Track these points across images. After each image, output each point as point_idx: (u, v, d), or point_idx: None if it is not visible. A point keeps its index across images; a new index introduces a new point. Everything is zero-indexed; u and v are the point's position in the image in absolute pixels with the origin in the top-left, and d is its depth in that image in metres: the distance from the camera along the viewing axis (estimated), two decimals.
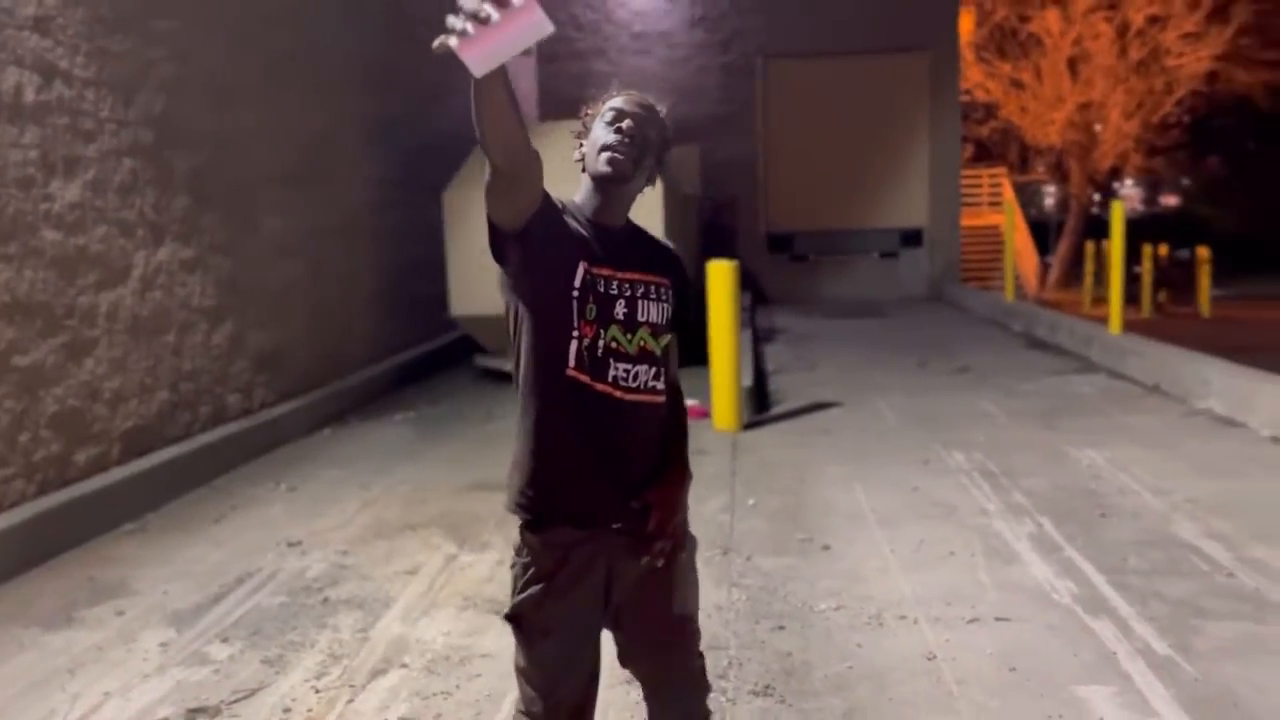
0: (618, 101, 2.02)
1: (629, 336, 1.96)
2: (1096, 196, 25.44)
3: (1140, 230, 21.78)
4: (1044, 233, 25.83)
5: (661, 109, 2.05)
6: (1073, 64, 20.97)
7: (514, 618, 2.02)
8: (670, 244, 2.17)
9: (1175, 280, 16.78)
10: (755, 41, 15.83)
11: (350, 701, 3.09)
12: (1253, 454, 5.58)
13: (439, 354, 10.03)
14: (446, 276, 8.96)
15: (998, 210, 21.53)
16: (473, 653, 3.40)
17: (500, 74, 1.66)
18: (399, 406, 8.06)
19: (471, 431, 7.07)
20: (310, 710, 3.04)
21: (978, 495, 4.98)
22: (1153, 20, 20.02)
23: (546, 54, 16.15)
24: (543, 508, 1.97)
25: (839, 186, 15.85)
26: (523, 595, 1.99)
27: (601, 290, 1.95)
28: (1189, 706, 2.86)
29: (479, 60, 1.61)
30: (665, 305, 2.04)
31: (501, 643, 3.43)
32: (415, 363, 9.49)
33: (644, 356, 1.98)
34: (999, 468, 5.46)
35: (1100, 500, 4.81)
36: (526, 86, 15.55)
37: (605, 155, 1.96)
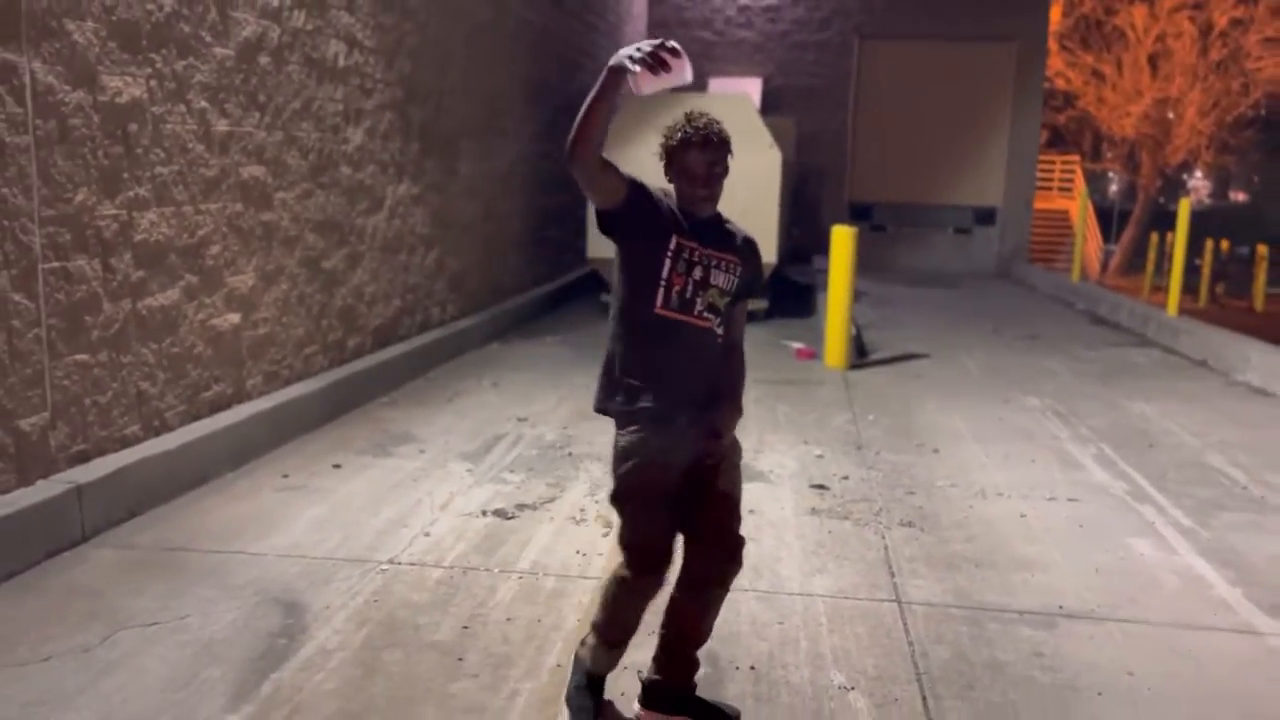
0: (686, 155, 2.55)
1: (709, 292, 2.58)
2: (1162, 187, 26.14)
3: (1205, 224, 22.60)
4: (1107, 219, 26.72)
5: (719, 126, 2.58)
6: (1153, 60, 21.74)
7: (618, 495, 2.60)
8: (749, 235, 2.73)
9: (1233, 274, 17.72)
10: (853, 22, 16.89)
11: None
12: (1277, 414, 6.83)
13: (568, 289, 11.47)
14: (585, 224, 10.35)
15: (1066, 195, 22.46)
16: None
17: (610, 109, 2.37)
18: (546, 330, 9.49)
19: None
20: (598, 513, 4.47)
21: (1050, 426, 6.29)
22: (1235, 23, 20.71)
23: (657, 20, 17.37)
24: (640, 406, 2.55)
25: (920, 163, 16.95)
26: (625, 474, 2.57)
27: (686, 257, 2.54)
28: (1203, 553, 4.19)
29: (645, 86, 2.37)
30: (733, 277, 2.61)
31: None
32: (552, 295, 10.92)
33: (711, 309, 2.58)
34: (1066, 410, 6.75)
35: (1149, 437, 6.11)
36: None
37: (697, 210, 2.59)
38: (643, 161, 9.42)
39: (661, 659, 2.80)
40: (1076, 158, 23.69)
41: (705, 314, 2.57)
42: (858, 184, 17.04)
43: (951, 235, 17.24)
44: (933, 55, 16.67)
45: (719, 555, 2.70)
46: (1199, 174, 36.63)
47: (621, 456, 2.60)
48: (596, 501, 4.62)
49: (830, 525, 4.42)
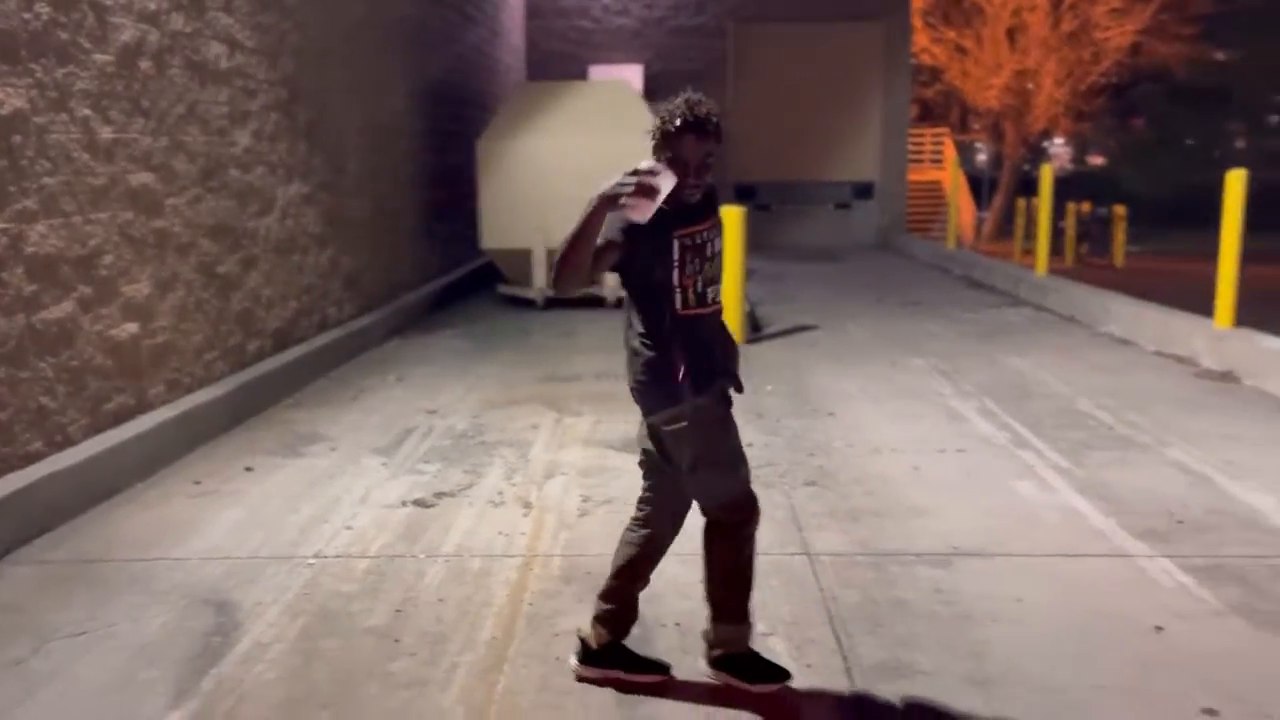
0: (679, 141, 2.62)
1: (714, 262, 2.76)
2: (1028, 155, 27.37)
3: (1067, 188, 23.71)
4: (978, 188, 27.86)
5: (713, 112, 2.66)
6: (1011, 33, 22.74)
7: (707, 457, 2.74)
8: (712, 185, 2.80)
9: (1095, 234, 18.69)
10: (727, 6, 17.24)
11: (540, 489, 4.66)
12: (1138, 361, 7.37)
13: (465, 281, 11.49)
14: (479, 215, 10.41)
15: (938, 167, 23.35)
16: (607, 466, 4.99)
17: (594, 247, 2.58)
18: (444, 324, 9.52)
19: (518, 343, 8.57)
20: (517, 495, 4.59)
21: (936, 384, 6.67)
22: None
23: (534, 10, 17.39)
24: (705, 379, 2.74)
25: (799, 142, 17.45)
26: (713, 437, 2.75)
27: (689, 244, 2.69)
28: (1078, 490, 4.56)
29: (646, 213, 2.49)
30: (720, 231, 2.82)
31: (622, 461, 5.01)
32: (447, 289, 10.92)
33: (718, 276, 2.79)
34: (949, 368, 7.15)
35: (1025, 388, 6.53)
36: (517, 40, 16.75)
37: (688, 190, 2.66)
38: (530, 152, 9.60)
39: (617, 615, 2.98)
40: (946, 130, 24.63)
41: (716, 299, 2.79)
42: (741, 165, 17.40)
43: (833, 210, 17.79)
44: (805, 36, 17.15)
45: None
46: (1059, 141, 38.42)
47: (701, 429, 2.73)
48: (514, 485, 4.74)
49: None
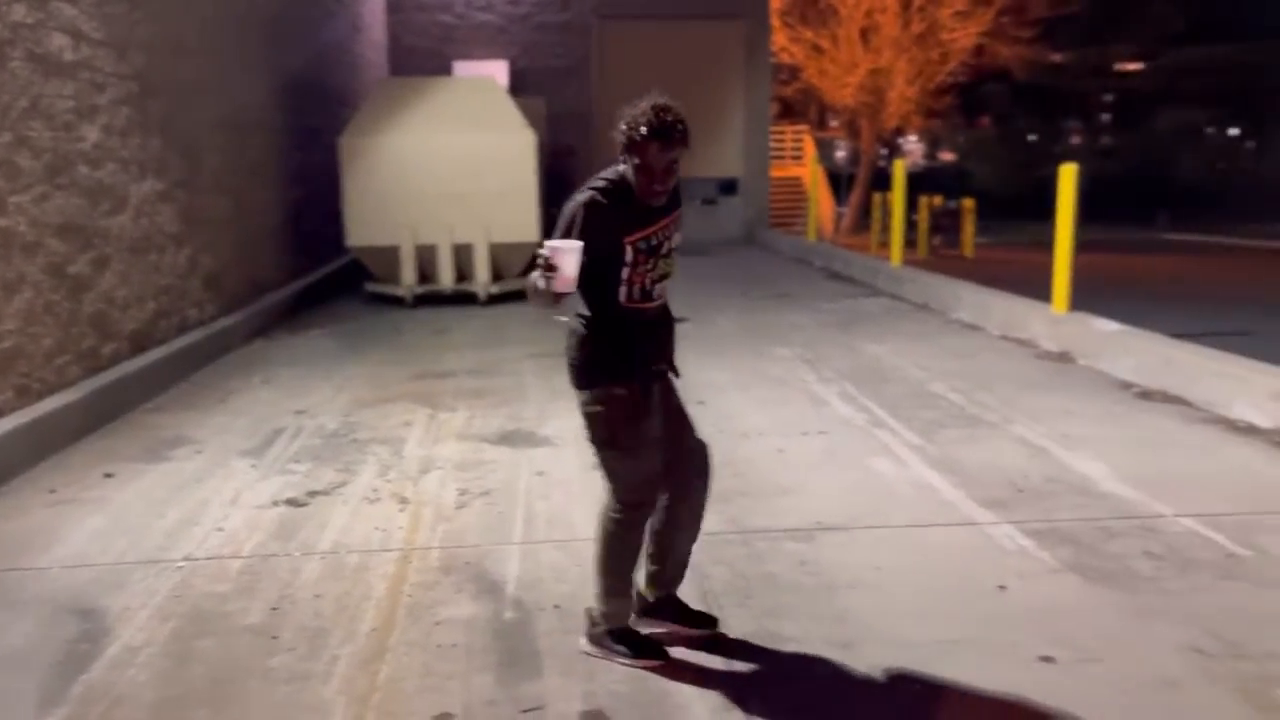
0: (646, 144, 2.69)
1: (668, 260, 2.88)
2: (884, 151, 28.48)
3: (920, 182, 24.81)
4: (837, 183, 28.86)
5: (680, 116, 2.76)
6: (864, 34, 23.61)
7: (611, 441, 2.85)
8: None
9: (946, 226, 19.62)
10: (591, 2, 17.35)
11: (416, 484, 4.67)
12: (985, 345, 7.83)
13: (330, 279, 11.27)
14: (343, 212, 10.23)
15: (799, 163, 24.04)
16: (484, 459, 5.04)
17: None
18: (311, 324, 9.34)
19: (388, 341, 8.49)
20: (392, 491, 4.60)
21: (800, 372, 6.94)
22: None
23: (395, 4, 17.12)
24: (626, 369, 2.86)
25: None
26: (619, 424, 2.84)
27: (643, 246, 2.79)
28: (930, 465, 4.85)
29: (562, 285, 2.64)
30: (678, 225, 2.92)
31: (498, 454, 5.07)
32: (313, 287, 10.70)
33: (670, 271, 2.89)
34: (813, 356, 7.44)
35: (882, 373, 6.87)
36: (378, 35, 16.48)
37: (650, 200, 2.77)
38: (395, 149, 9.54)
39: (662, 574, 3.13)
40: (805, 127, 25.40)
41: (661, 294, 2.91)
42: (607, 161, 17.52)
43: (699, 206, 18.10)
44: (667, 33, 17.41)
45: (696, 453, 3.08)
46: (912, 137, 40.07)
47: (615, 415, 2.85)
48: (389, 481, 4.74)
49: None
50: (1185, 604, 3.36)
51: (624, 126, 2.73)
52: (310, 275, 10.92)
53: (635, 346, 2.89)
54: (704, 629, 3.16)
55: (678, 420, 3.05)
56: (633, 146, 2.72)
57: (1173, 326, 7.37)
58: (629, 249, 2.78)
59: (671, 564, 3.16)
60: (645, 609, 3.17)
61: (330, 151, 10.46)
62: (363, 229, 10.25)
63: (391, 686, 2.92)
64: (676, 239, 2.92)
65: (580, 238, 2.70)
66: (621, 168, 2.82)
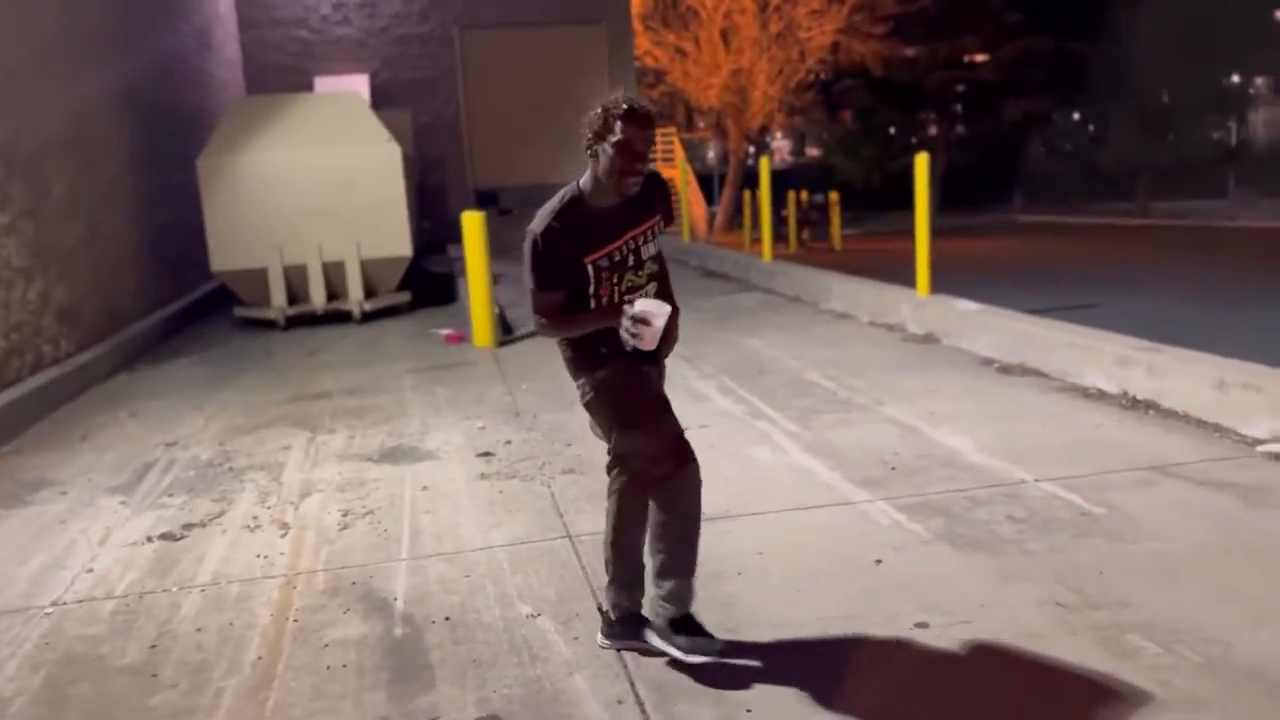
0: (621, 129, 2.67)
1: (640, 273, 2.87)
2: (752, 150, 29.07)
3: (788, 179, 25.48)
4: (708, 183, 29.35)
5: (650, 107, 2.77)
6: (725, 35, 24.05)
7: (614, 422, 2.89)
8: (654, 172, 2.89)
9: (814, 221, 20.15)
10: (452, 12, 17.24)
11: (297, 508, 4.58)
12: (856, 332, 8.10)
13: (196, 306, 10.90)
14: (206, 236, 9.92)
15: (669, 165, 24.32)
16: (366, 478, 4.97)
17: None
18: (177, 353, 9.02)
19: (262, 365, 8.27)
20: (273, 517, 4.50)
21: (679, 368, 7.05)
22: None
23: (247, 21, 16.65)
24: (600, 359, 2.89)
25: (536, 145, 17.66)
26: (613, 403, 2.89)
27: (606, 264, 2.78)
28: (807, 450, 5.01)
29: (648, 344, 2.75)
30: (656, 233, 2.89)
31: (381, 472, 5.01)
32: (180, 314, 10.34)
33: (650, 278, 2.91)
34: (691, 353, 7.57)
35: (759, 365, 7.04)
36: (232, 53, 16.00)
37: (623, 188, 2.74)
38: (257, 168, 9.39)
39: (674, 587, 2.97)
40: (673, 129, 25.71)
41: (646, 291, 2.93)
42: (480, 171, 17.48)
43: None
44: (531, 40, 17.43)
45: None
46: (778, 135, 41.00)
47: (616, 397, 2.89)
48: (269, 508, 4.64)
49: (500, 485, 4.77)
50: (1046, 563, 3.57)
51: (599, 111, 2.72)
52: (176, 302, 10.55)
53: (612, 340, 2.85)
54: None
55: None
56: (608, 127, 2.70)
57: (1028, 303, 7.78)
58: (589, 268, 2.79)
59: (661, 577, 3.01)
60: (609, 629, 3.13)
61: (192, 173, 10.12)
62: (227, 253, 9.95)
63: (281, 713, 2.87)
64: (650, 249, 2.90)
65: (548, 266, 2.78)
66: (575, 181, 2.82)
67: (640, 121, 2.70)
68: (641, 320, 2.71)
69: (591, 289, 2.82)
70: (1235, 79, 29.69)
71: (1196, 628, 3.04)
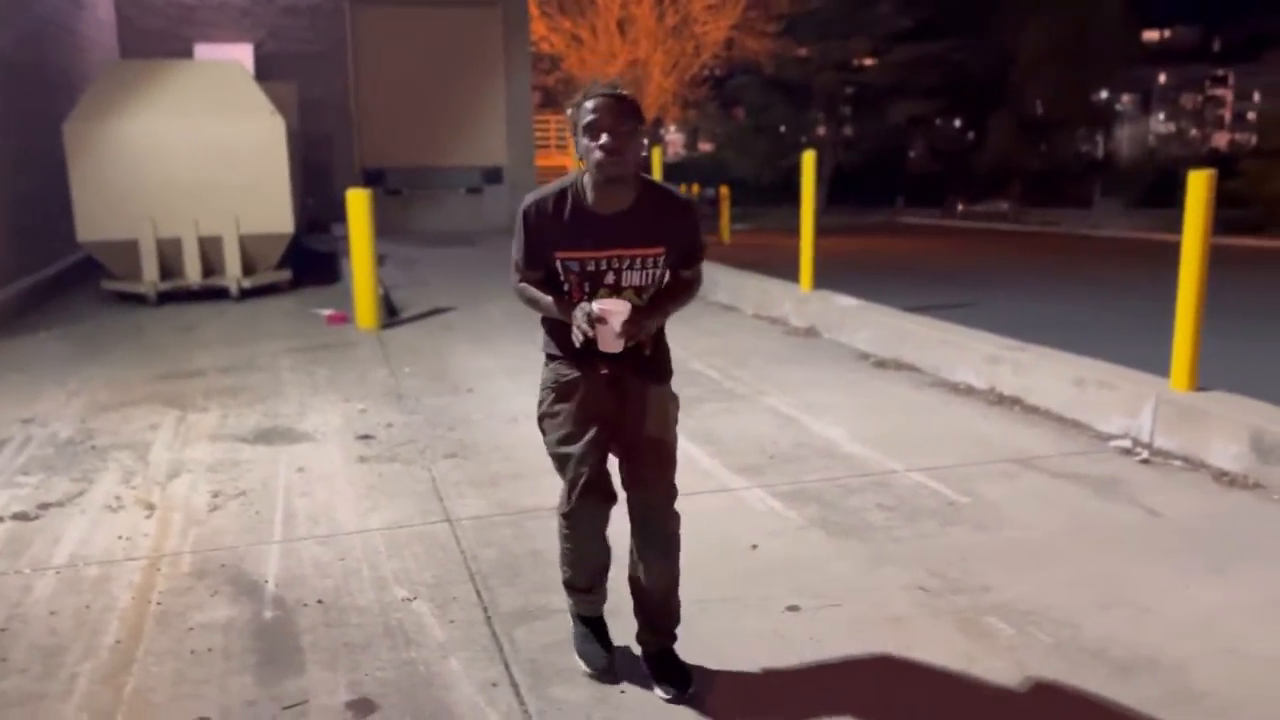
0: (590, 108, 2.48)
1: (617, 295, 2.61)
2: (646, 142, 29.19)
3: (681, 172, 25.73)
4: None
5: (628, 90, 2.56)
6: (622, 25, 24.09)
7: (541, 418, 2.85)
8: (678, 197, 2.68)
9: (705, 214, 20.40)
10: None
11: (164, 489, 4.41)
12: (740, 324, 8.25)
13: (63, 278, 10.38)
14: (72, 205, 9.45)
15: (564, 153, 24.27)
16: (239, 459, 4.82)
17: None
18: (39, 326, 8.58)
19: (131, 341, 7.94)
20: (137, 497, 4.32)
21: None
22: None
23: None
24: (563, 348, 2.73)
25: (427, 126, 17.39)
26: (547, 399, 2.82)
27: (576, 268, 2.58)
28: (690, 438, 5.07)
29: (612, 344, 2.55)
30: (654, 271, 2.61)
31: (254, 453, 4.87)
32: (42, 285, 9.82)
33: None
34: None
35: None
36: (105, 14, 15.25)
37: (602, 171, 2.49)
38: (131, 135, 9.02)
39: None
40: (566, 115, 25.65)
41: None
42: (368, 150, 17.08)
43: (464, 195, 17.95)
44: (424, 19, 17.09)
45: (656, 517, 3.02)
46: (672, 129, 41.28)
47: (542, 384, 2.86)
48: (133, 488, 4.46)
49: (380, 469, 4.70)
50: (912, 549, 3.71)
51: (577, 96, 2.58)
52: (39, 273, 10.01)
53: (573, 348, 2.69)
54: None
55: (637, 440, 2.88)
56: (579, 111, 2.53)
57: (906, 300, 8.03)
58: (558, 263, 2.62)
59: (642, 609, 2.97)
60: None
61: (58, 139, 9.61)
62: (95, 222, 9.49)
63: (139, 698, 2.76)
64: (636, 280, 2.63)
65: (521, 241, 2.67)
66: (573, 175, 2.64)
67: (607, 99, 2.50)
68: (599, 319, 2.53)
69: (566, 287, 2.66)
70: (1104, 94, 31.25)
71: (1048, 610, 3.20)
